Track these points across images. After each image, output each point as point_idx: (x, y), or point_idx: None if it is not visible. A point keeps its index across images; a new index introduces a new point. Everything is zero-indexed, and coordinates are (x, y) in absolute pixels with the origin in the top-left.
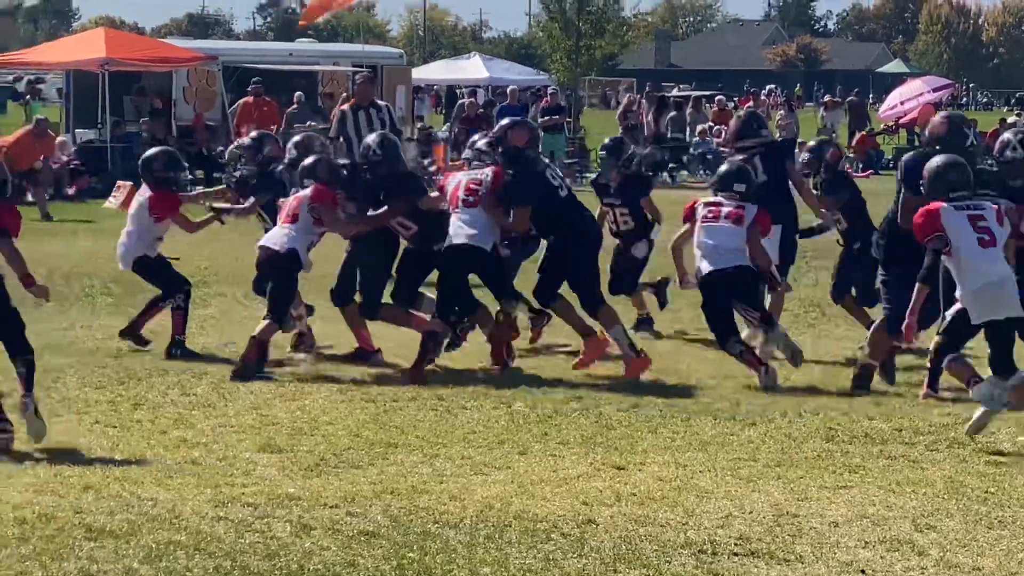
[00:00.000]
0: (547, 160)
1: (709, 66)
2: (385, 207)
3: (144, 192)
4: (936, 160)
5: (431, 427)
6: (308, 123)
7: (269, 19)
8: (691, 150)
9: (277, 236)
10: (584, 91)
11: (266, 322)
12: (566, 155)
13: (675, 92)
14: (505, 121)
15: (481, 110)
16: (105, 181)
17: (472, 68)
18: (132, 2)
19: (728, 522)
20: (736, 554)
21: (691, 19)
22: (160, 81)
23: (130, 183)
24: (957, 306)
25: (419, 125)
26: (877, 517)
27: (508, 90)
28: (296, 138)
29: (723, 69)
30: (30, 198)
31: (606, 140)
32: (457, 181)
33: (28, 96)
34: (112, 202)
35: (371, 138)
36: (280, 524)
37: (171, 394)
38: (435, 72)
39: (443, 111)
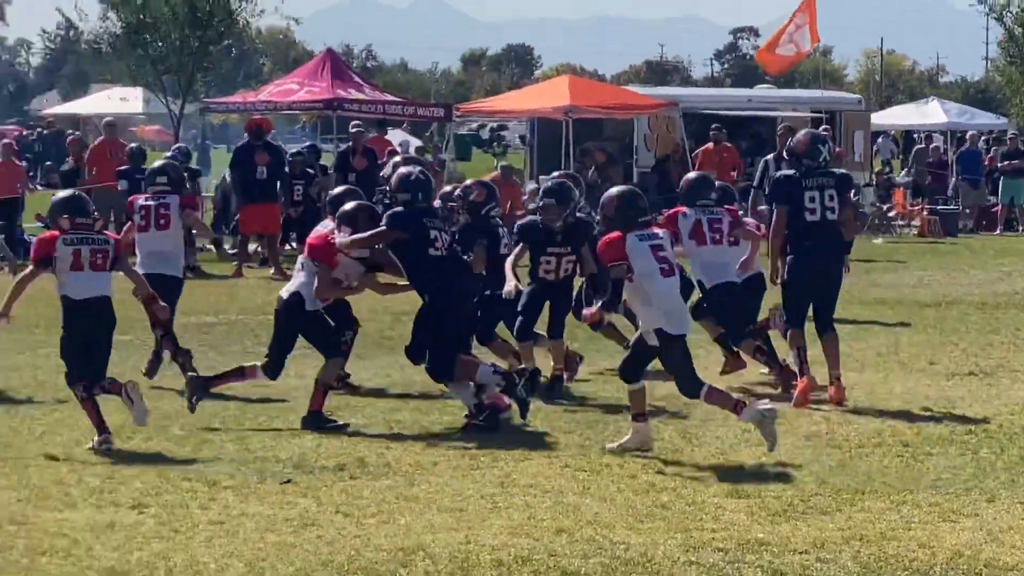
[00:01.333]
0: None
1: None
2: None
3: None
4: (616, 191)
5: (897, 473)
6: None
7: (727, 65)
8: None
9: (289, 284)
10: None
11: (324, 365)
12: None
13: None
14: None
15: (944, 155)
16: None
17: (931, 112)
18: (592, 50)
19: None
20: None
21: None
22: (621, 128)
23: None
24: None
25: (877, 170)
26: None
27: (968, 135)
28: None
29: None
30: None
31: (549, 183)
32: None
33: (493, 143)
34: None
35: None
36: (751, 569)
37: None
38: (895, 117)
39: (900, 156)
